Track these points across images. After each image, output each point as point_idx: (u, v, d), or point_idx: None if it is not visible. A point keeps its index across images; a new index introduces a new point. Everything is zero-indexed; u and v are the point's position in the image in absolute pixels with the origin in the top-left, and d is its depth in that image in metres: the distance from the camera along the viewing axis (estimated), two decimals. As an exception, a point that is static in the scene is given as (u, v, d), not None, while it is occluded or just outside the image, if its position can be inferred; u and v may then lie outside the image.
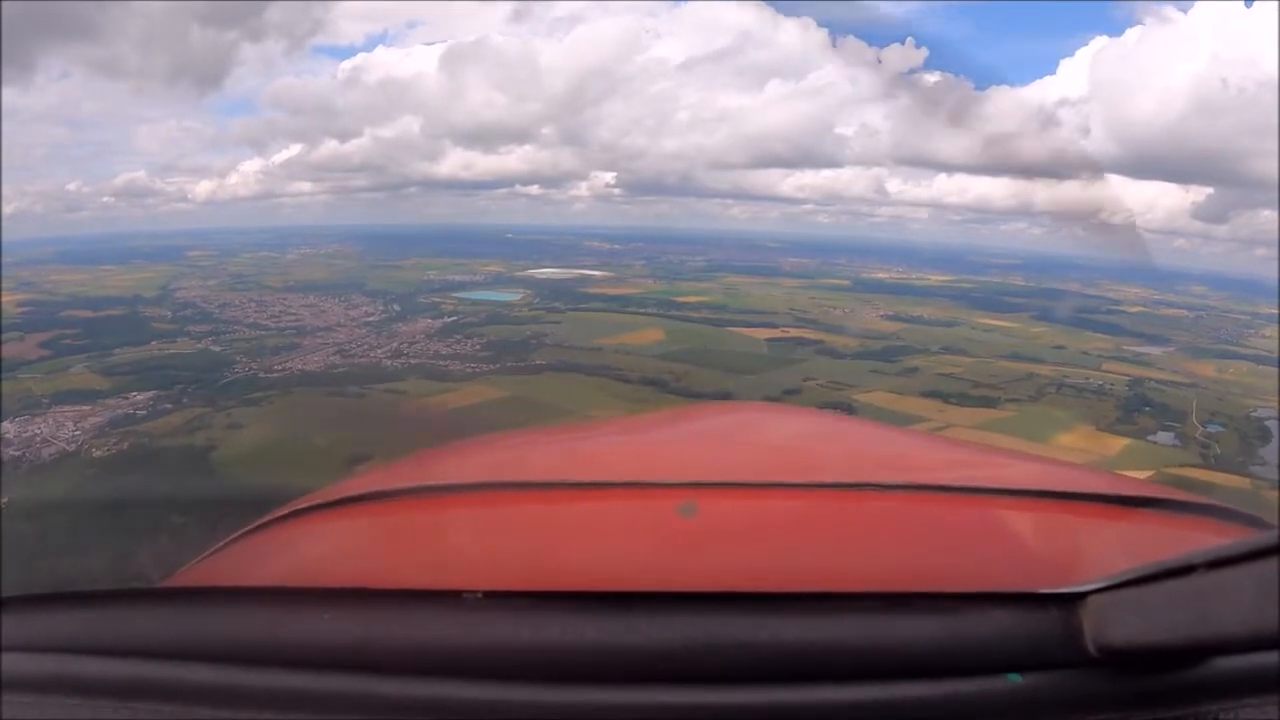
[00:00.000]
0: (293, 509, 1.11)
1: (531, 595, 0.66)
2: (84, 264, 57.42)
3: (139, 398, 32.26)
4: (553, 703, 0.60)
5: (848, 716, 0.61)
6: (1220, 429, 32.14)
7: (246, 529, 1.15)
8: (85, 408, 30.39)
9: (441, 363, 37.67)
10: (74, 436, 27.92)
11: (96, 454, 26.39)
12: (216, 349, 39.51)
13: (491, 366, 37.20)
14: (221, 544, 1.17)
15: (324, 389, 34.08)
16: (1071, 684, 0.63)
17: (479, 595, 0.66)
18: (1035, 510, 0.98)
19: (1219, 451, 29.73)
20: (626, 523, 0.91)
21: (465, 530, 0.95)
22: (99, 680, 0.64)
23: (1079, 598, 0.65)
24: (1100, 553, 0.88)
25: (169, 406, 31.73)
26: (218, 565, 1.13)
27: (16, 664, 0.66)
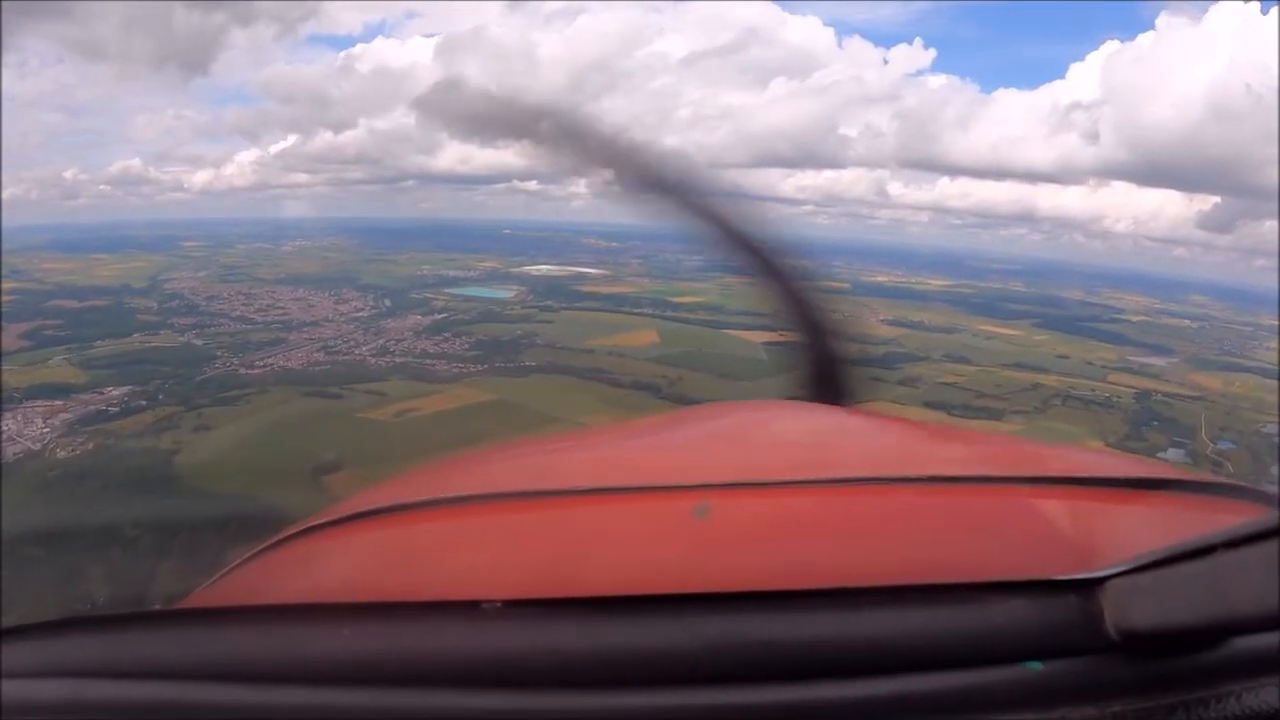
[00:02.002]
0: (307, 525, 1.09)
1: (549, 603, 0.67)
2: (78, 252, 56.69)
3: (114, 393, 31.39)
4: (574, 709, 0.61)
5: (869, 710, 0.61)
6: (1231, 446, 31.39)
7: (261, 547, 1.13)
8: (58, 403, 29.54)
9: (428, 362, 36.70)
10: (41, 434, 27.05)
11: (61, 454, 25.50)
12: (199, 343, 38.69)
13: (479, 367, 36.25)
14: (236, 563, 1.15)
15: (302, 388, 33.10)
16: (1093, 669, 0.64)
17: (498, 604, 0.66)
18: (1051, 496, 0.96)
19: (1231, 470, 28.83)
20: (642, 527, 0.89)
21: (481, 541, 0.93)
22: (114, 704, 0.64)
23: (1098, 583, 0.66)
24: (1118, 537, 0.86)
25: (143, 403, 30.85)
26: (233, 585, 1.11)
27: (29, 690, 0.66)
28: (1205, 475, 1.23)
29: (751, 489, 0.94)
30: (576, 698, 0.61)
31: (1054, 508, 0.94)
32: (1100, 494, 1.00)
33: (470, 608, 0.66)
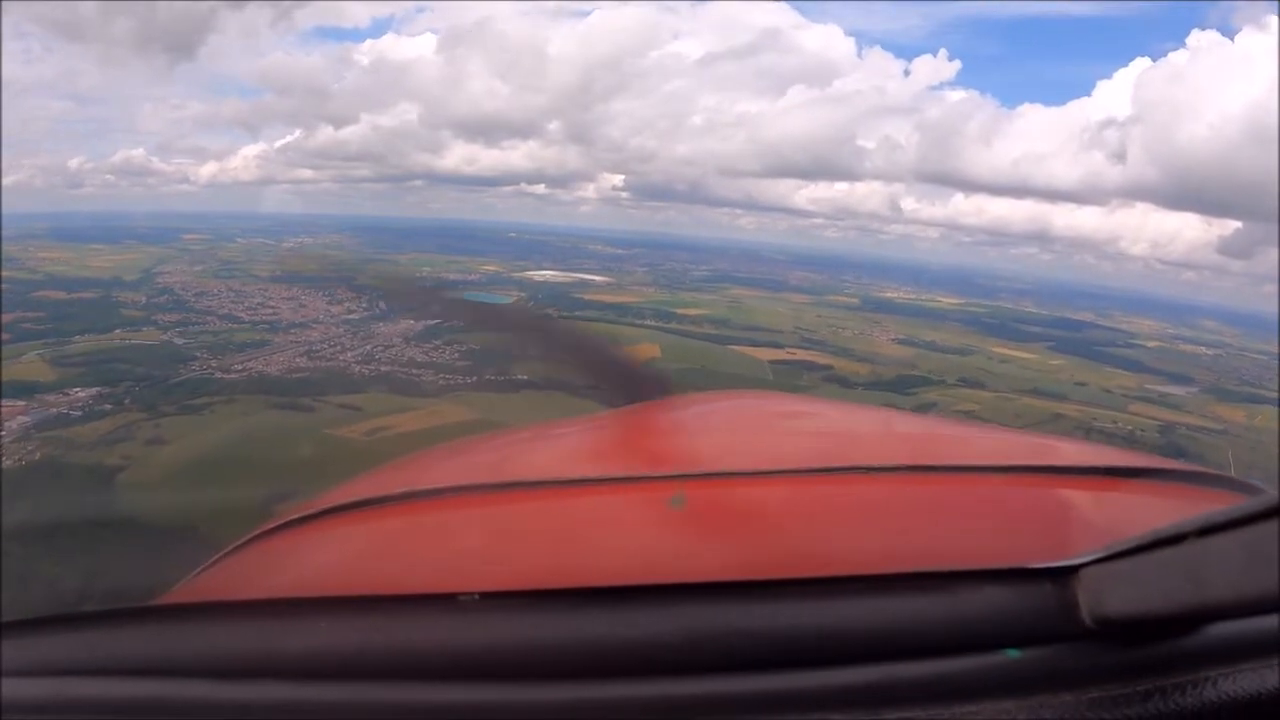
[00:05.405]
0: (285, 520, 1.08)
1: (528, 594, 0.67)
2: (76, 242, 55.32)
3: (80, 395, 29.62)
4: (553, 700, 0.62)
5: (847, 699, 0.62)
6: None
7: (240, 541, 1.14)
8: (20, 404, 27.77)
9: (414, 372, 34.91)
10: (-4, 439, 25.44)
11: (7, 464, 23.71)
12: (180, 342, 37.02)
13: (466, 380, 34.41)
14: (216, 558, 1.15)
15: (272, 399, 31.21)
16: (1069, 657, 0.65)
17: (475, 597, 0.66)
18: (1026, 485, 0.99)
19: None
20: (620, 518, 0.92)
21: (458, 533, 0.95)
22: (98, 702, 0.65)
23: (1073, 571, 0.66)
24: (1092, 525, 0.90)
25: (107, 407, 29.07)
26: (213, 580, 1.12)
27: (12, 689, 0.66)
28: (1180, 463, 1.12)
29: (729, 479, 0.93)
30: (555, 689, 0.62)
31: (1029, 496, 0.95)
32: (1076, 482, 0.99)
33: (447, 600, 0.66)
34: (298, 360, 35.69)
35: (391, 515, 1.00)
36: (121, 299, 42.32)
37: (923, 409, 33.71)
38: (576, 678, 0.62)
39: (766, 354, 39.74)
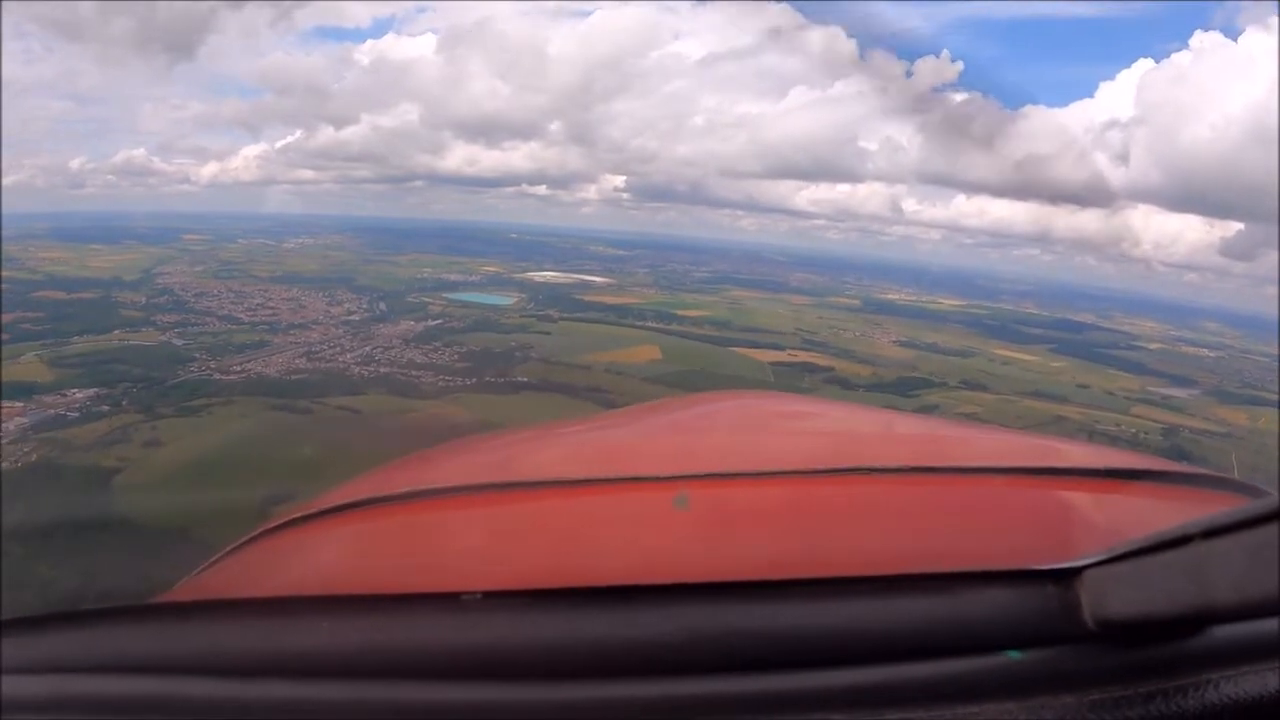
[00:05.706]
0: (288, 518, 1.09)
1: (531, 594, 0.67)
2: (76, 242, 55.11)
3: (78, 396, 29.49)
4: (556, 700, 0.62)
5: (849, 699, 0.62)
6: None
7: (242, 540, 1.14)
8: (18, 404, 27.65)
9: (414, 374, 34.78)
10: (-8, 440, 25.22)
11: (4, 465, 23.52)
12: (179, 343, 36.91)
13: (465, 382, 34.29)
14: (218, 556, 1.15)
15: (271, 400, 30.99)
16: (1071, 659, 0.65)
17: (478, 596, 0.66)
18: (1029, 487, 0.99)
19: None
20: (623, 517, 0.92)
21: (462, 533, 0.96)
22: (98, 699, 0.65)
23: (1076, 573, 0.66)
24: (1095, 527, 0.91)
25: (105, 409, 28.91)
26: (215, 578, 1.12)
27: (12, 686, 0.66)
28: (1183, 465, 1.14)
29: (732, 479, 0.93)
30: (557, 688, 0.61)
31: (1032, 497, 0.95)
32: (1078, 484, 0.99)
33: (450, 600, 0.66)
34: (297, 361, 35.54)
35: (394, 514, 1.00)
36: (121, 299, 42.20)
37: (924, 411, 33.64)
38: (579, 677, 0.61)
39: (768, 355, 39.59)
